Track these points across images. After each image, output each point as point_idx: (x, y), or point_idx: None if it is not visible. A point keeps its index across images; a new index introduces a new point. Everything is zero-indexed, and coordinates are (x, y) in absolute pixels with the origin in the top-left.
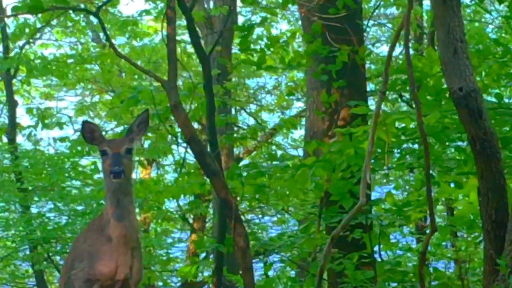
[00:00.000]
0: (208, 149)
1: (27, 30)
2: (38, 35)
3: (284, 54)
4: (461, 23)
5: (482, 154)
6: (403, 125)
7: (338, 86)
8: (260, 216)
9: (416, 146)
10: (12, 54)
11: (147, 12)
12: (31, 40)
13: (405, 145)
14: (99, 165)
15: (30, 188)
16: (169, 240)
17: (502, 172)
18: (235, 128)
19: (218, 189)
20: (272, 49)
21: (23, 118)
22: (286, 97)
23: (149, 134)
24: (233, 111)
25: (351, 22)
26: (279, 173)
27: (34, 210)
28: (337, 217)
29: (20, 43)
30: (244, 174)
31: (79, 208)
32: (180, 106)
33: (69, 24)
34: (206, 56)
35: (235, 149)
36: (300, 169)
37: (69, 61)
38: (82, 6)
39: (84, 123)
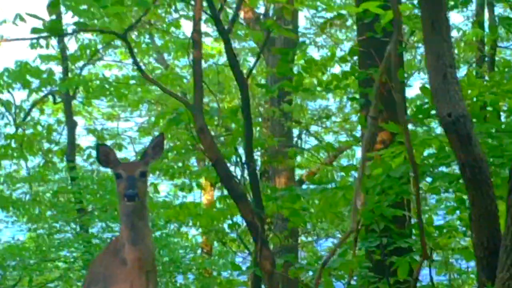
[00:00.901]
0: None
1: (88, 51)
2: (100, 55)
3: (321, 76)
4: (450, 48)
5: (473, 181)
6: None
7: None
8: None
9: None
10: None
11: (206, 34)
12: (91, 61)
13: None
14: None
15: (89, 209)
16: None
17: (493, 199)
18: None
19: (244, 212)
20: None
21: (83, 139)
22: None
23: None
24: (295, 133)
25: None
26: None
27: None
28: (375, 241)
29: (81, 64)
30: None
31: None
32: (206, 129)
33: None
34: (243, 79)
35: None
36: (332, 192)
37: (132, 82)
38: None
39: (99, 146)
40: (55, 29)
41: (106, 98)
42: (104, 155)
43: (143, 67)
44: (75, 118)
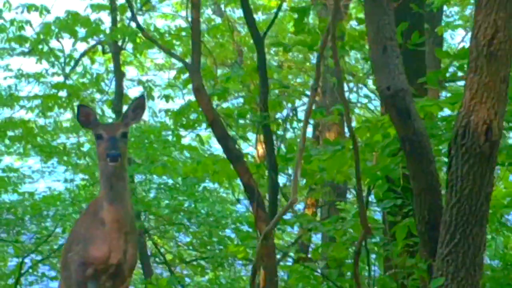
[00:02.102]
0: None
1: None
2: (152, 6)
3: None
4: (392, 21)
5: (413, 155)
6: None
7: None
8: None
9: None
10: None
11: None
12: (140, 12)
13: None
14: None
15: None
16: None
17: (434, 173)
18: None
19: (241, 173)
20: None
21: (134, 89)
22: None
23: None
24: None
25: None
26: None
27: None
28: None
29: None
30: None
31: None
32: (203, 89)
33: None
34: (260, 37)
35: None
36: (340, 151)
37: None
38: None
39: (79, 107)
40: None
41: (156, 49)
42: (84, 115)
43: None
44: (128, 67)
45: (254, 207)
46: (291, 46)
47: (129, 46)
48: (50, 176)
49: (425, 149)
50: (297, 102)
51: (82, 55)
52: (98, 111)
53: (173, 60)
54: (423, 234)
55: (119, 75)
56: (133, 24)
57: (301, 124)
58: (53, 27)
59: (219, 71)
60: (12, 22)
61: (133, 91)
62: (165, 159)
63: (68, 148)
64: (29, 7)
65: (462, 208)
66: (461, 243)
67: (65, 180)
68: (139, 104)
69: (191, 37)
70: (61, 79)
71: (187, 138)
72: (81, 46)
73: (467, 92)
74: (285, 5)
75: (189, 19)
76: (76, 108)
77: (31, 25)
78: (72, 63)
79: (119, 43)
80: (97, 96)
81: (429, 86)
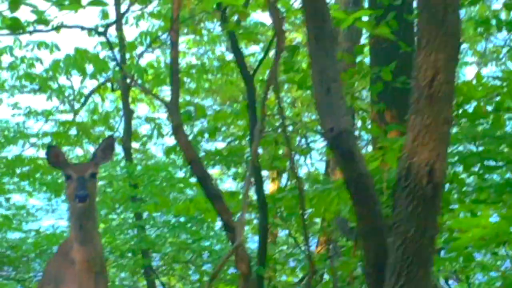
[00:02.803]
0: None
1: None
2: (163, 42)
3: None
4: (335, 62)
5: (358, 196)
6: None
7: (378, 110)
8: None
9: None
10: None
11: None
12: (149, 49)
13: None
14: None
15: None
16: None
17: (380, 215)
18: None
19: (221, 212)
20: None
21: (142, 127)
22: None
23: None
24: None
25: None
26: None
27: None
28: None
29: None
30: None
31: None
32: (182, 128)
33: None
34: (250, 76)
35: None
36: (325, 191)
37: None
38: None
39: (49, 147)
40: (15, 27)
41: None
42: (54, 156)
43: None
44: (139, 104)
45: (234, 246)
46: (279, 84)
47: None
48: (53, 214)
49: (370, 190)
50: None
51: (92, 92)
52: None
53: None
54: (370, 276)
55: (128, 113)
56: (142, 62)
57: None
58: (61, 64)
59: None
60: (22, 59)
61: (144, 128)
62: (176, 196)
63: None
64: (40, 45)
65: (407, 251)
66: (406, 286)
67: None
68: (108, 145)
69: (170, 76)
70: (70, 116)
71: None
72: (92, 83)
73: (409, 134)
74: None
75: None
76: (46, 149)
77: (41, 63)
78: (82, 100)
79: (128, 80)
80: (107, 133)
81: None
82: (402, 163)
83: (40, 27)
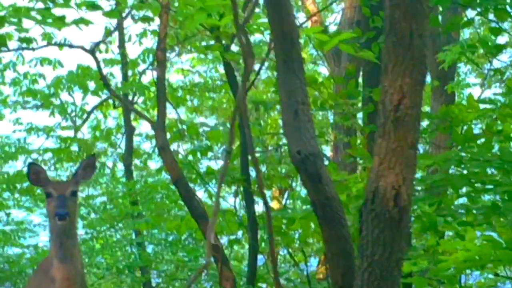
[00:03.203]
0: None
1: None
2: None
3: (316, 95)
4: (303, 84)
5: (325, 219)
6: None
7: (369, 131)
8: None
9: None
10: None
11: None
12: (150, 67)
13: None
14: None
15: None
16: None
17: (348, 237)
18: None
19: (205, 232)
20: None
21: (144, 144)
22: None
23: None
24: None
25: None
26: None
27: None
28: None
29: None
30: None
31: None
32: (168, 148)
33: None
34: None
35: None
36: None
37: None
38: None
39: (30, 165)
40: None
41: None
42: (35, 173)
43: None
44: (142, 121)
45: (218, 265)
46: (271, 105)
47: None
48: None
49: (337, 213)
50: None
51: (93, 108)
52: (110, 164)
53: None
54: None
55: (130, 130)
56: (144, 79)
57: None
58: (64, 81)
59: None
60: (25, 75)
61: (146, 145)
62: (176, 214)
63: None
64: (43, 61)
65: (373, 273)
66: None
67: None
68: (89, 163)
69: (156, 95)
70: (72, 133)
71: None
72: (94, 100)
73: (376, 157)
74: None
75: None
76: (27, 166)
77: (44, 79)
78: (84, 116)
79: (130, 98)
80: (109, 149)
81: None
82: (368, 186)
83: (42, 43)
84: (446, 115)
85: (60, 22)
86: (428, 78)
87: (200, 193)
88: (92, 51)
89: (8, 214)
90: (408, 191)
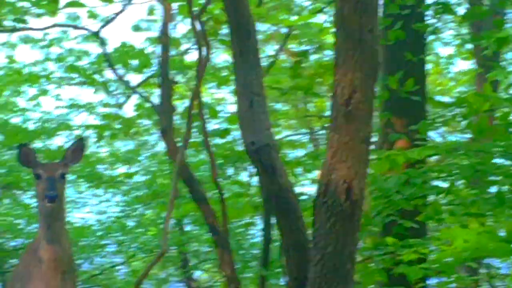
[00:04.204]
0: None
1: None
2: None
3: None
4: (259, 76)
5: (280, 211)
6: None
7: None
8: None
9: None
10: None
11: None
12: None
13: None
14: None
15: None
16: None
17: (302, 229)
18: None
19: (206, 215)
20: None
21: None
22: None
23: None
24: None
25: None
26: None
27: None
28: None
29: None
30: None
31: None
32: (170, 132)
33: None
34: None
35: None
36: None
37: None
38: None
39: (20, 146)
40: None
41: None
42: (25, 155)
43: None
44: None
45: (219, 250)
46: (287, 90)
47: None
48: (84, 207)
49: (291, 205)
50: None
51: (136, 86)
52: (153, 142)
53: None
54: None
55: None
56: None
57: None
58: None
59: None
60: (70, 52)
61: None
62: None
63: (119, 178)
64: (88, 38)
65: (325, 266)
66: None
67: (99, 212)
68: (79, 146)
69: (161, 78)
70: (114, 110)
71: None
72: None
73: (328, 150)
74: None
75: None
76: (17, 148)
77: (88, 56)
78: (127, 94)
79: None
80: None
81: (420, 135)
82: (321, 179)
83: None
84: (462, 104)
85: (53, 4)
86: (472, 65)
87: None
88: (97, 33)
89: None
90: (361, 185)
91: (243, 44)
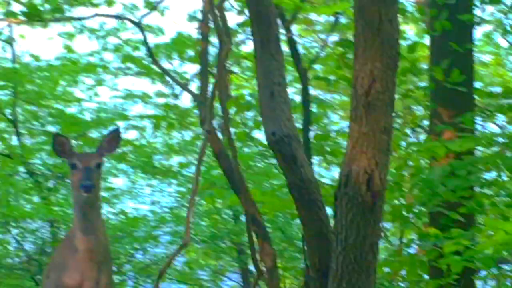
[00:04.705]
0: None
1: None
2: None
3: None
4: (280, 66)
5: (301, 202)
6: None
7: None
8: None
9: None
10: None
11: None
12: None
13: None
14: None
15: None
16: None
17: (324, 220)
18: None
19: (246, 206)
20: None
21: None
22: None
23: None
24: None
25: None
26: None
27: None
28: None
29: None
30: None
31: None
32: (210, 121)
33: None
34: (304, 69)
35: None
36: None
37: None
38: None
39: (55, 136)
40: (31, 14)
41: None
42: (60, 145)
43: None
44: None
45: (259, 240)
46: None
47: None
48: (137, 198)
49: (313, 195)
50: None
51: (193, 76)
52: None
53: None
54: (315, 281)
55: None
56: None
57: None
58: (163, 50)
59: None
60: (126, 42)
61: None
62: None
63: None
64: (144, 28)
65: (347, 257)
66: None
67: (152, 203)
68: (114, 136)
69: (201, 69)
70: (170, 100)
71: None
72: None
73: (349, 141)
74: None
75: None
76: (52, 137)
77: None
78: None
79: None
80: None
81: (465, 125)
82: (342, 169)
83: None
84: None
85: None
86: None
87: None
88: (138, 23)
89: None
90: (382, 176)
91: (264, 33)
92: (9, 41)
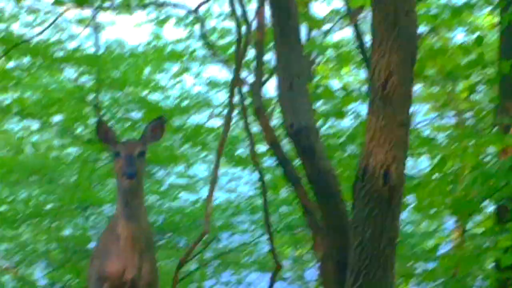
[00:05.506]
0: None
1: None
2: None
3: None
4: (300, 58)
5: (320, 194)
6: None
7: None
8: None
9: None
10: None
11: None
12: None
13: None
14: None
15: None
16: None
17: (344, 212)
18: None
19: (300, 196)
20: None
21: None
22: None
23: None
24: None
25: None
26: None
27: None
28: None
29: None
30: None
31: None
32: (263, 111)
33: None
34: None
35: None
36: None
37: None
38: None
39: (99, 123)
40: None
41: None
42: (104, 132)
43: None
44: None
45: (312, 231)
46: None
47: None
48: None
49: (332, 188)
50: None
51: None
52: None
53: None
54: (334, 273)
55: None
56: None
57: None
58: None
59: None
60: (214, 30)
61: None
62: None
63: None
64: (230, 16)
65: (364, 251)
66: (365, 286)
67: (228, 190)
68: (158, 125)
69: (256, 58)
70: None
71: None
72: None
73: (367, 134)
74: None
75: None
76: (95, 124)
77: (231, 34)
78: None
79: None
80: None
81: None
82: (359, 163)
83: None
84: None
85: None
86: None
87: None
88: (195, 11)
89: (189, 166)
90: (399, 170)
91: (284, 24)
92: (96, 27)
